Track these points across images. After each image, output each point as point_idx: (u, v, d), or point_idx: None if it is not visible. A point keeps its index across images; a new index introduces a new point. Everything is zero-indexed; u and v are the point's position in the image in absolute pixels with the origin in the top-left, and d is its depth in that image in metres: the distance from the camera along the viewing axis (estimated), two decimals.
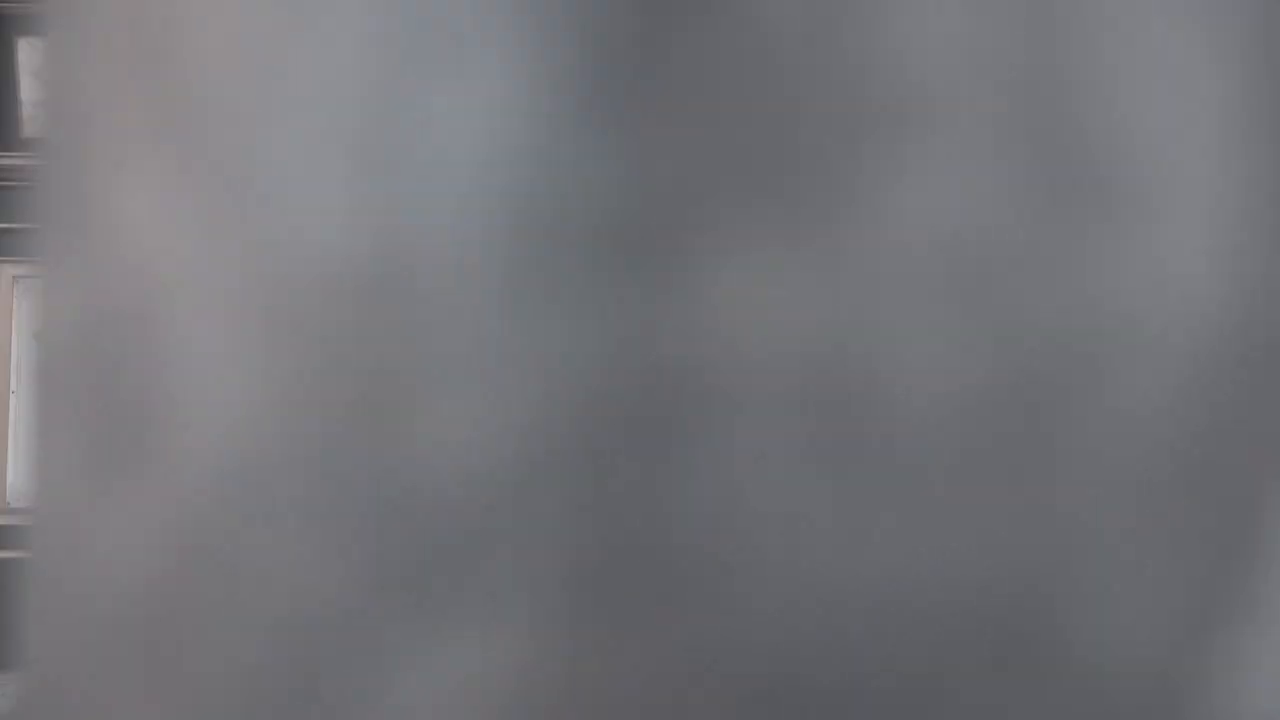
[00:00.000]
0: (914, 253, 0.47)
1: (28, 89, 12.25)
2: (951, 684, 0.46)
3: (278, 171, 0.48)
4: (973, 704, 0.46)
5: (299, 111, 0.48)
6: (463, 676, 0.46)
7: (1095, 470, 0.48)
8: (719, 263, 0.47)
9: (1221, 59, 0.50)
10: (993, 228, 0.47)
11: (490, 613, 0.46)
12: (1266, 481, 0.50)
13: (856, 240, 0.47)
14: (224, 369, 0.49)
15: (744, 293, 0.46)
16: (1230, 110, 0.50)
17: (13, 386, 12.79)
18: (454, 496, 0.47)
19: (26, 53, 12.25)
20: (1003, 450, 0.47)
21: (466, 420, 0.47)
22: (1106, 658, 0.47)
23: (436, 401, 0.47)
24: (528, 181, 0.47)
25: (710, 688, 0.46)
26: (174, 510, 0.50)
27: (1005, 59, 0.48)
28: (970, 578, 0.47)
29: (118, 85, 0.52)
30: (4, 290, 12.63)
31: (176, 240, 0.50)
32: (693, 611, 0.46)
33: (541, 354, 0.47)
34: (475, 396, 0.47)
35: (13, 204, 12.52)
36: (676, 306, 0.47)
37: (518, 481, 0.46)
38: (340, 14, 0.48)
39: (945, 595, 0.46)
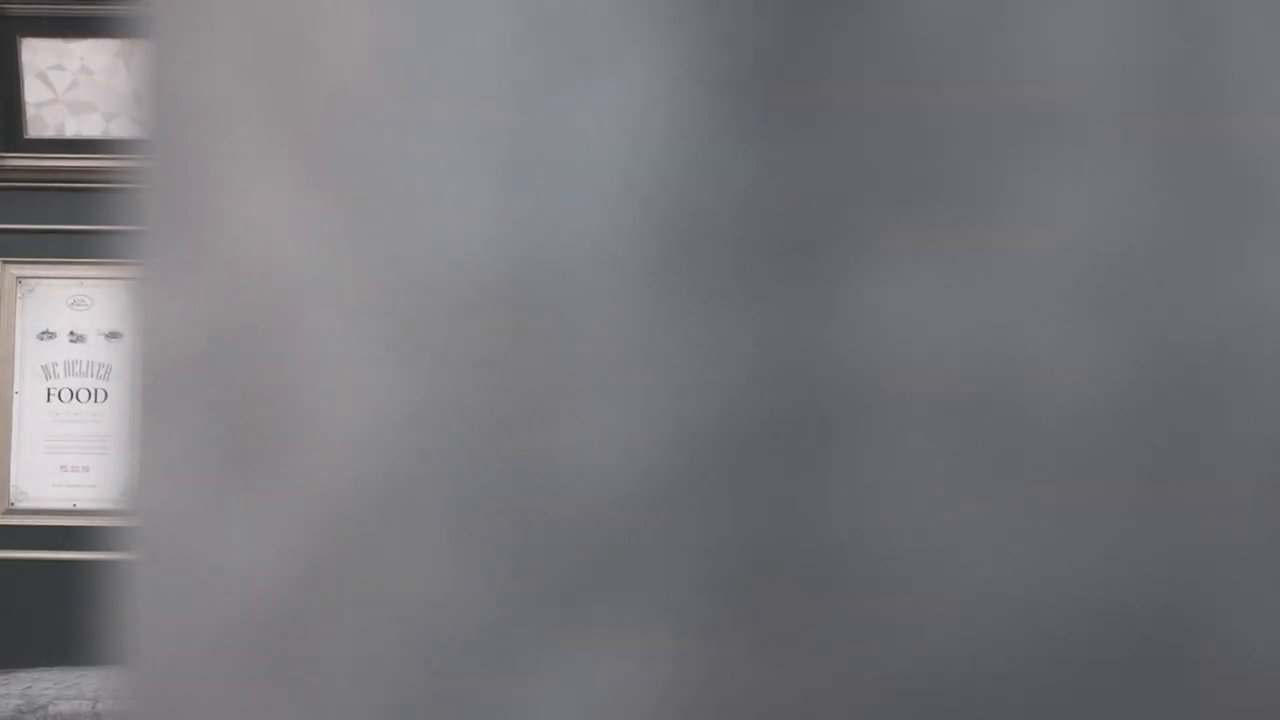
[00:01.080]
0: (1065, 258, 0.46)
1: (31, 90, 12.22)
2: (1105, 691, 0.46)
3: (416, 178, 0.48)
4: (1127, 712, 0.46)
5: (439, 117, 0.47)
6: (605, 691, 0.46)
7: (1242, 475, 0.47)
8: (868, 268, 0.46)
9: None
10: (1142, 233, 0.47)
11: (635, 625, 0.46)
12: None
13: (1007, 245, 0.46)
14: (359, 378, 0.48)
15: (894, 299, 0.46)
16: None
17: (16, 388, 12.76)
18: (598, 507, 0.46)
19: (30, 54, 12.24)
20: (1153, 455, 0.46)
21: (611, 430, 0.46)
22: (1259, 665, 0.47)
23: (581, 410, 0.46)
24: (674, 187, 0.46)
25: (860, 701, 0.45)
26: (306, 521, 0.49)
27: (1157, 62, 0.47)
28: (1120, 585, 0.46)
29: (241, 90, 0.52)
30: (7, 291, 12.59)
31: (308, 248, 0.49)
32: (843, 623, 0.46)
33: (689, 362, 0.46)
34: (621, 405, 0.46)
35: (17, 205, 12.49)
36: (826, 313, 0.46)
37: (664, 491, 0.46)
38: (481, 16, 0.47)
39: (1095, 602, 0.46)
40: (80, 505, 12.69)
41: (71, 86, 12.71)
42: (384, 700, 0.47)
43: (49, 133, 12.77)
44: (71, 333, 12.77)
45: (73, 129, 12.72)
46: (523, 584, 0.46)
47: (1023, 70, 0.46)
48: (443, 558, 0.47)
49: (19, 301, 12.62)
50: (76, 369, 12.85)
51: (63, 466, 12.66)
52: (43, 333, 12.74)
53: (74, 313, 12.66)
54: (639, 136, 0.46)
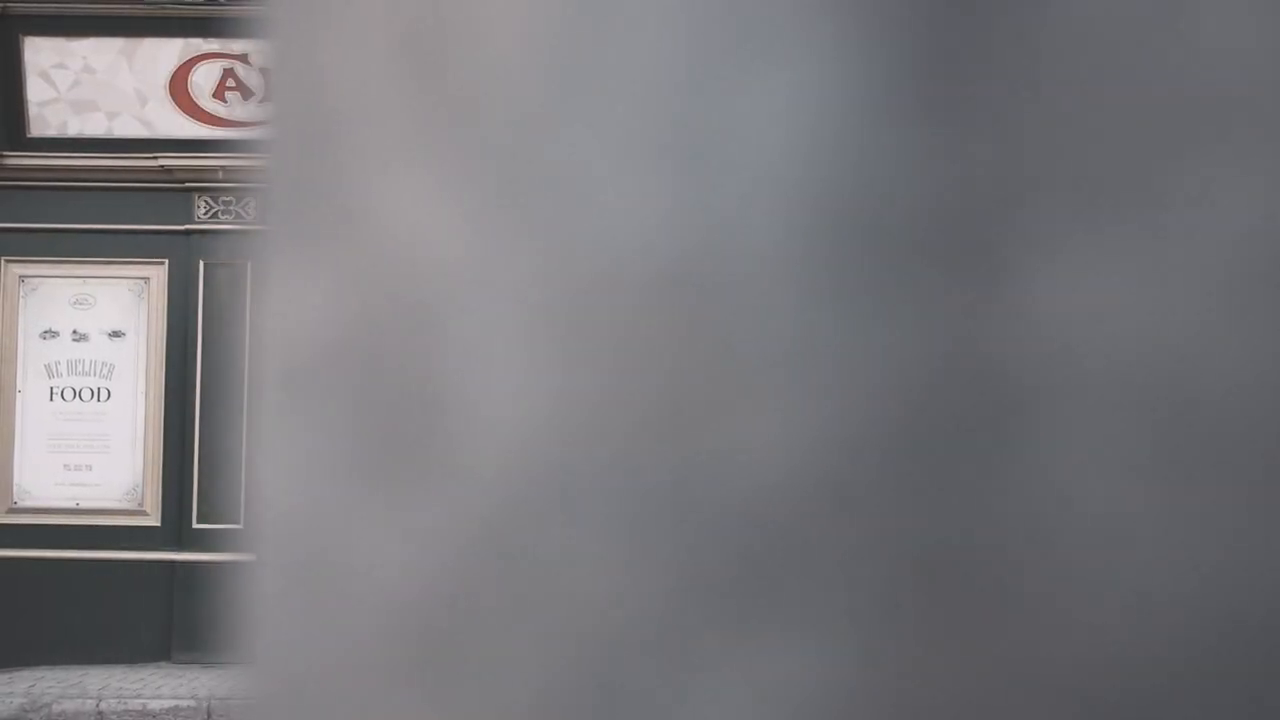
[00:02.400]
0: (1237, 251, 0.46)
1: (34, 89, 12.20)
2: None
3: (578, 169, 0.47)
4: None
5: (601, 106, 0.47)
6: (776, 689, 0.45)
7: None
8: (1038, 263, 0.45)
9: None
10: None
11: (806, 623, 0.45)
12: None
13: (1179, 239, 0.46)
14: (519, 371, 0.47)
15: (1065, 293, 0.45)
16: None
17: (19, 387, 12.74)
18: (769, 503, 0.45)
19: (32, 52, 12.22)
20: None
21: (780, 424, 0.45)
22: None
23: (749, 407, 0.46)
24: (845, 179, 0.45)
25: (1034, 697, 0.45)
26: (461, 520, 0.48)
27: None
28: None
29: (384, 78, 0.51)
30: (10, 290, 12.58)
31: (461, 242, 0.49)
32: (1017, 619, 0.45)
33: (859, 357, 0.45)
34: (790, 400, 0.45)
35: (19, 204, 12.49)
36: (997, 308, 0.45)
37: (835, 488, 0.45)
38: (644, 5, 0.46)
39: (1273, 600, 0.45)
40: (83, 504, 12.68)
41: (74, 85, 12.70)
42: (548, 703, 0.47)
43: (51, 131, 12.76)
44: (74, 332, 12.76)
45: (75, 128, 12.71)
46: (692, 581, 0.46)
47: (1192, 63, 0.46)
48: (610, 556, 0.46)
49: (21, 300, 12.61)
50: (79, 368, 12.84)
51: (65, 465, 12.65)
52: (45, 332, 12.73)
53: (76, 312, 12.65)
54: (807, 129, 0.45)
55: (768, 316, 0.46)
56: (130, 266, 12.51)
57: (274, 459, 0.55)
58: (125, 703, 10.93)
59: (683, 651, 0.46)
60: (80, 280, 12.63)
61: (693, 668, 0.46)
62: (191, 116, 12.37)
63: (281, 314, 0.55)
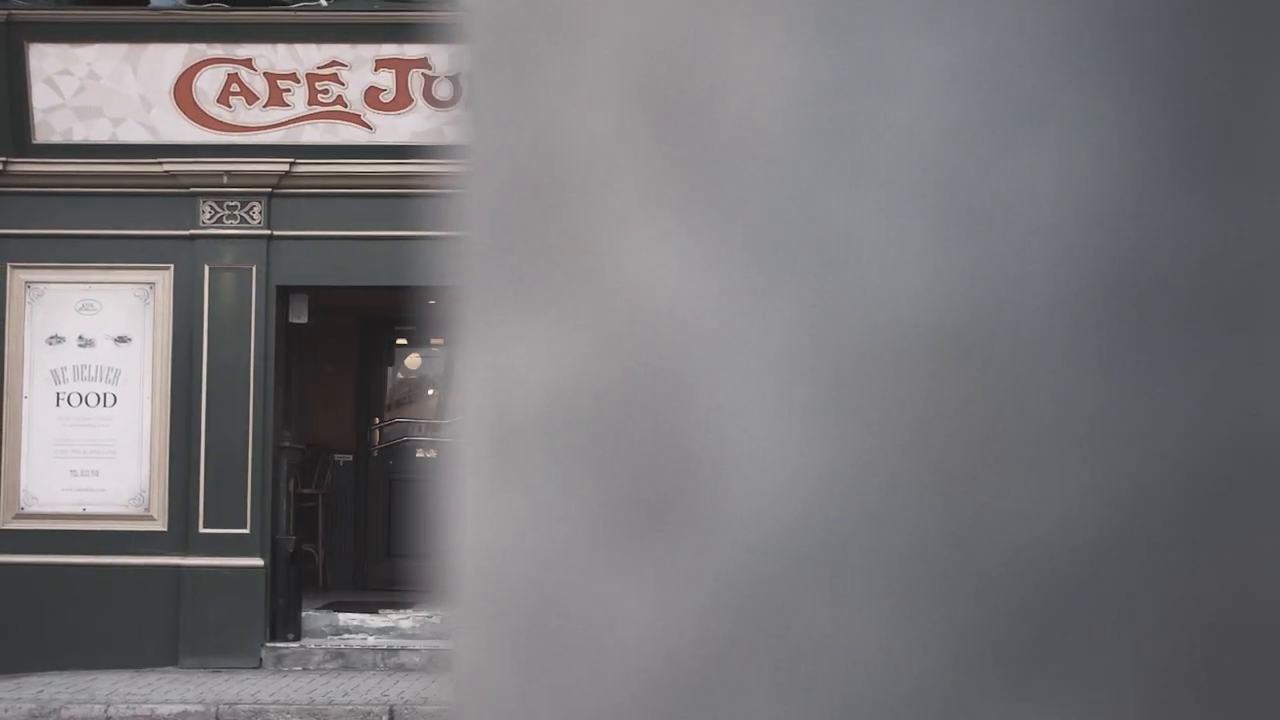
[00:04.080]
0: None
1: (39, 96, 12.18)
2: None
3: (840, 230, 0.46)
4: None
5: (866, 162, 0.46)
6: None
7: None
8: None
9: None
10: None
11: (1086, 686, 0.45)
12: None
13: None
14: (780, 434, 0.47)
15: None
16: None
17: (25, 393, 12.72)
18: (1044, 564, 0.45)
19: (37, 59, 12.20)
20: None
21: (1056, 488, 0.45)
22: None
23: (1023, 468, 0.45)
24: (1121, 242, 0.45)
25: None
26: (719, 579, 0.48)
27: None
28: None
29: (622, 134, 0.50)
30: (16, 296, 12.56)
31: (714, 301, 0.48)
32: None
33: (1137, 421, 0.45)
34: (1065, 464, 0.45)
35: (25, 210, 12.47)
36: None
37: (1113, 551, 0.45)
38: (912, 59, 0.46)
39: None
40: (89, 509, 12.67)
41: (79, 91, 12.69)
42: None
43: (56, 138, 12.75)
44: (80, 337, 12.74)
45: (80, 134, 12.70)
46: (966, 645, 0.45)
47: None
48: (880, 620, 0.45)
49: (28, 306, 12.59)
50: (85, 373, 12.82)
51: (72, 471, 12.64)
52: (51, 337, 12.70)
53: (82, 317, 12.62)
54: (1081, 188, 0.45)
55: (1042, 379, 0.45)
56: (135, 271, 12.50)
57: (497, 518, 0.54)
58: (134, 708, 10.93)
59: (957, 716, 0.45)
60: (86, 286, 12.63)
61: None
62: (196, 122, 12.36)
63: (503, 372, 0.54)
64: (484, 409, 0.55)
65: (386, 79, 12.21)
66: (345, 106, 12.19)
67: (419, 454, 15.62)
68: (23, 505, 12.32)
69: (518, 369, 0.53)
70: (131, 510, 12.24)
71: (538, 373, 0.53)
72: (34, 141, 12.36)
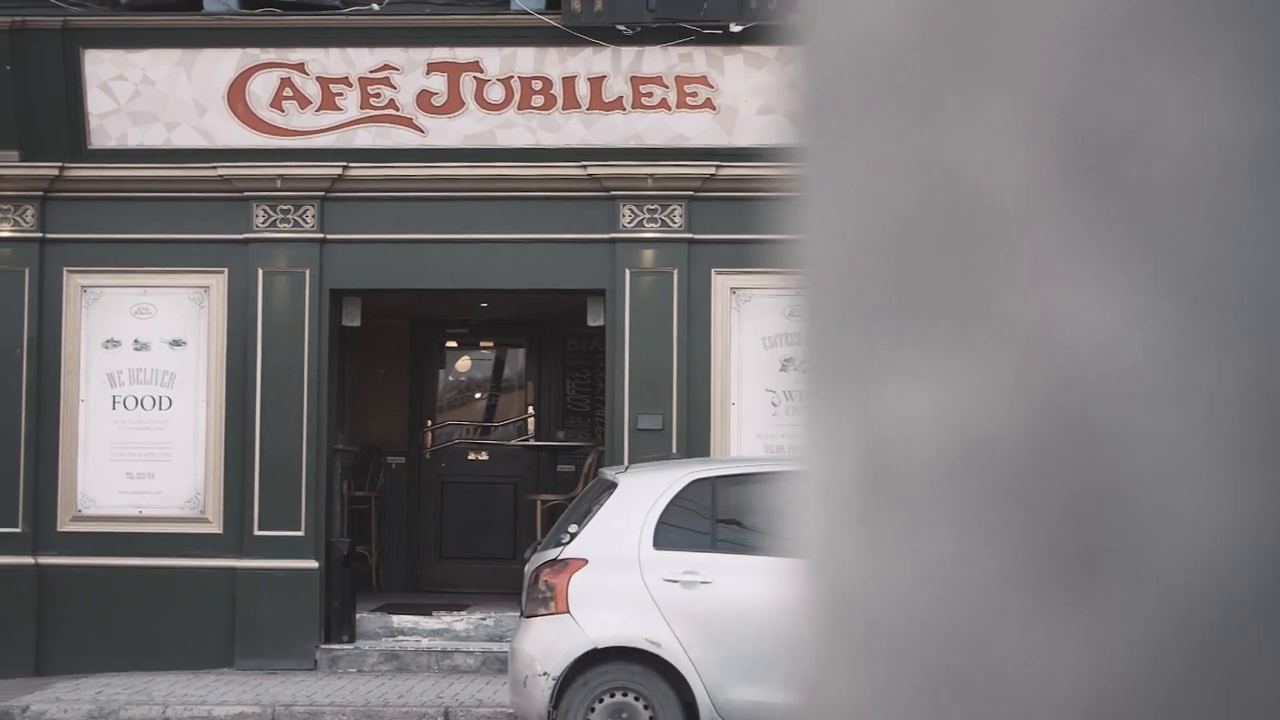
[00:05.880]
0: None
1: (94, 101, 12.23)
2: None
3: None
4: None
5: None
6: None
7: None
8: None
9: None
10: None
11: None
12: None
13: None
14: (1213, 481, 0.48)
15: None
16: None
17: (82, 396, 12.79)
18: None
19: (93, 65, 12.24)
20: None
21: None
22: None
23: None
24: None
25: None
26: (1154, 625, 0.49)
27: None
28: None
29: (1039, 182, 0.51)
30: (72, 300, 12.65)
31: (1144, 348, 0.49)
32: None
33: None
34: None
35: (81, 215, 12.55)
36: None
37: None
38: None
39: None
40: (145, 511, 12.72)
41: (133, 97, 12.74)
42: None
43: (111, 143, 12.80)
44: (136, 341, 12.78)
45: (135, 139, 12.75)
46: None
47: None
48: None
49: (84, 311, 12.66)
50: (141, 376, 12.86)
51: (128, 474, 12.69)
52: (107, 341, 12.75)
53: (138, 321, 12.67)
54: None
55: None
56: (190, 275, 12.55)
57: (893, 561, 0.54)
58: (191, 709, 10.97)
59: None
60: (141, 290, 12.68)
61: None
62: (249, 126, 12.41)
63: (879, 416, 0.54)
64: (853, 452, 0.55)
65: (438, 82, 12.24)
66: (397, 110, 12.22)
67: (469, 457, 15.64)
68: (80, 508, 12.41)
69: (901, 414, 0.54)
70: (187, 513, 12.30)
71: (931, 419, 0.53)
72: (89, 147, 12.45)
